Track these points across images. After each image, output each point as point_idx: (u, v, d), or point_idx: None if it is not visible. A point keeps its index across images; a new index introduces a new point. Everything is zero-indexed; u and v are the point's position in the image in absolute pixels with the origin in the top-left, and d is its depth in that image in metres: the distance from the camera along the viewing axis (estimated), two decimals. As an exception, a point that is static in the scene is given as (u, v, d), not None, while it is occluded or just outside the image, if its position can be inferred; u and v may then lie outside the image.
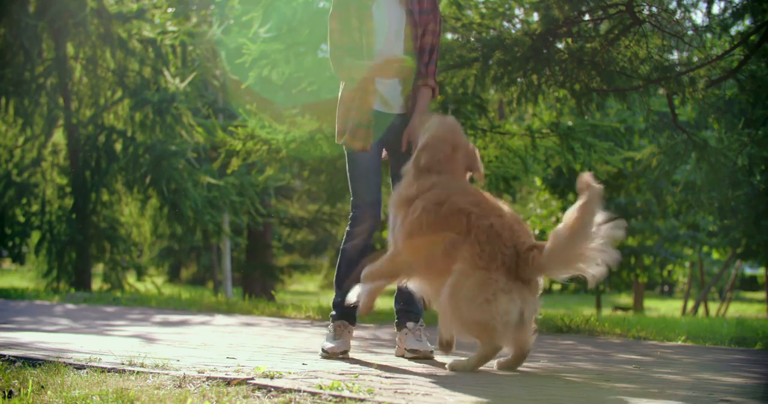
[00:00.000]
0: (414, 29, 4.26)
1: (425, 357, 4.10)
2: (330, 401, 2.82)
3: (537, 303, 3.59)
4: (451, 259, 3.60)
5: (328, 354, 4.13)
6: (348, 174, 4.29)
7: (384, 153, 4.39)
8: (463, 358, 3.74)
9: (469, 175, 3.96)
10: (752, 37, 6.50)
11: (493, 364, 3.75)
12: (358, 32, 4.22)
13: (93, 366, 3.44)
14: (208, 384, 3.08)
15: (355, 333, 5.93)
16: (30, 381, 3.07)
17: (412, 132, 4.20)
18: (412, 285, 3.88)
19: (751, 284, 39.02)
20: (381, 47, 4.23)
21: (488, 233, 3.56)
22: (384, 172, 4.92)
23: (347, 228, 4.28)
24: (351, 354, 4.28)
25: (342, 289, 4.21)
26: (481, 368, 3.71)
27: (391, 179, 4.35)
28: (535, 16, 7.81)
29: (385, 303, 8.82)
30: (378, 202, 4.24)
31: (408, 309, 4.27)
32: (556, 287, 27.51)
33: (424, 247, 3.69)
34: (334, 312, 4.29)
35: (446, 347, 3.84)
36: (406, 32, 4.26)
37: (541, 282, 3.61)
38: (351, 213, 4.28)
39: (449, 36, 8.62)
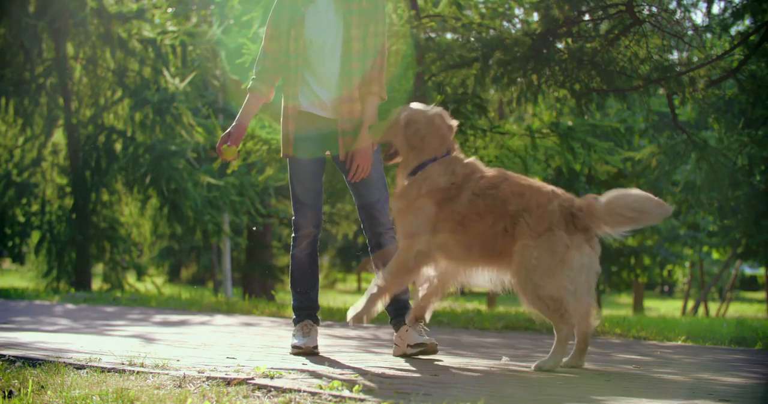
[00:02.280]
0: (357, 30, 4.18)
1: (432, 351, 4.08)
2: (330, 401, 2.82)
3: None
4: (512, 238, 3.72)
5: (301, 350, 4.18)
6: (289, 179, 4.33)
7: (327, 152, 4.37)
8: (545, 358, 3.77)
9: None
10: (752, 37, 6.51)
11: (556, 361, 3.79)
12: (286, 37, 4.21)
13: (93, 366, 3.43)
14: (208, 384, 3.08)
15: (355, 333, 5.94)
16: (30, 381, 3.07)
17: (360, 150, 4.13)
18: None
19: (751, 284, 39.02)
20: (313, 54, 4.20)
21: (548, 196, 3.72)
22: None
23: (292, 234, 4.34)
24: (351, 354, 4.28)
25: (298, 293, 4.33)
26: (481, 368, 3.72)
27: (348, 186, 4.35)
28: (535, 16, 7.82)
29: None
30: (315, 205, 4.29)
31: (402, 306, 4.23)
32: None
33: (479, 229, 3.76)
34: (295, 316, 4.35)
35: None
36: (351, 35, 4.17)
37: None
38: (293, 219, 4.32)
39: (449, 36, 8.63)
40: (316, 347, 4.22)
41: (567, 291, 3.62)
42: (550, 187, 3.80)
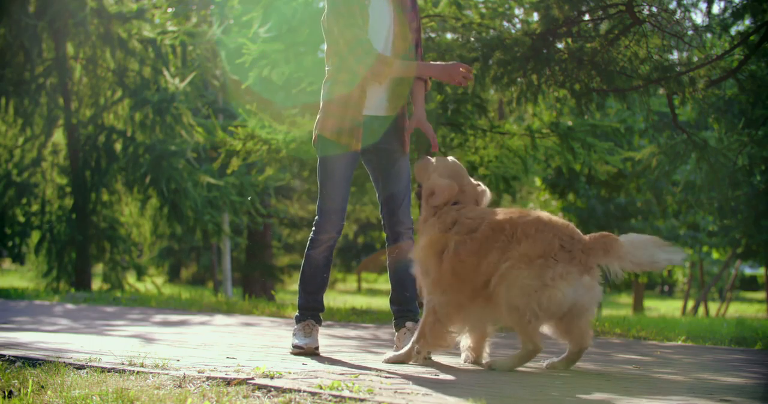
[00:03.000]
0: (409, 24, 4.26)
1: None
2: (330, 401, 2.82)
3: (597, 290, 3.60)
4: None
5: (302, 350, 4.18)
6: (318, 178, 4.27)
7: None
8: (501, 357, 3.77)
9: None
10: (752, 37, 6.50)
11: (542, 364, 3.76)
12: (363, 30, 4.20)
13: (93, 366, 3.43)
14: (208, 384, 3.08)
15: (355, 333, 5.94)
16: (30, 381, 3.07)
17: (420, 121, 4.27)
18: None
19: (751, 284, 39.03)
20: (379, 46, 4.21)
21: (536, 224, 3.58)
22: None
23: (312, 235, 4.28)
24: (351, 354, 4.29)
25: (306, 292, 4.31)
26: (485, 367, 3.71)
27: (373, 180, 4.36)
28: (535, 16, 7.81)
29: (383, 303, 8.83)
30: (344, 209, 4.25)
31: (405, 308, 4.27)
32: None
33: (475, 273, 3.65)
34: (298, 314, 4.34)
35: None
36: (400, 30, 4.24)
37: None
38: (316, 219, 4.27)
39: (449, 36, 8.62)
40: (317, 348, 4.23)
41: (533, 313, 3.48)
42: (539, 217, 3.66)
